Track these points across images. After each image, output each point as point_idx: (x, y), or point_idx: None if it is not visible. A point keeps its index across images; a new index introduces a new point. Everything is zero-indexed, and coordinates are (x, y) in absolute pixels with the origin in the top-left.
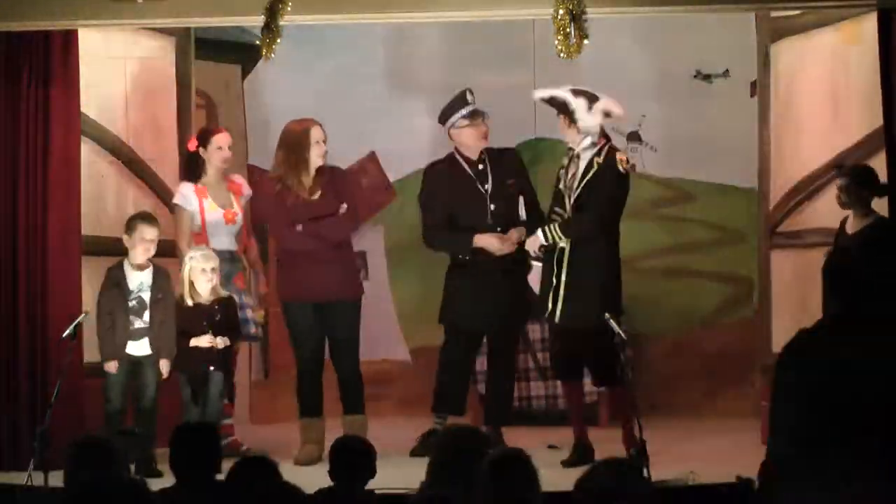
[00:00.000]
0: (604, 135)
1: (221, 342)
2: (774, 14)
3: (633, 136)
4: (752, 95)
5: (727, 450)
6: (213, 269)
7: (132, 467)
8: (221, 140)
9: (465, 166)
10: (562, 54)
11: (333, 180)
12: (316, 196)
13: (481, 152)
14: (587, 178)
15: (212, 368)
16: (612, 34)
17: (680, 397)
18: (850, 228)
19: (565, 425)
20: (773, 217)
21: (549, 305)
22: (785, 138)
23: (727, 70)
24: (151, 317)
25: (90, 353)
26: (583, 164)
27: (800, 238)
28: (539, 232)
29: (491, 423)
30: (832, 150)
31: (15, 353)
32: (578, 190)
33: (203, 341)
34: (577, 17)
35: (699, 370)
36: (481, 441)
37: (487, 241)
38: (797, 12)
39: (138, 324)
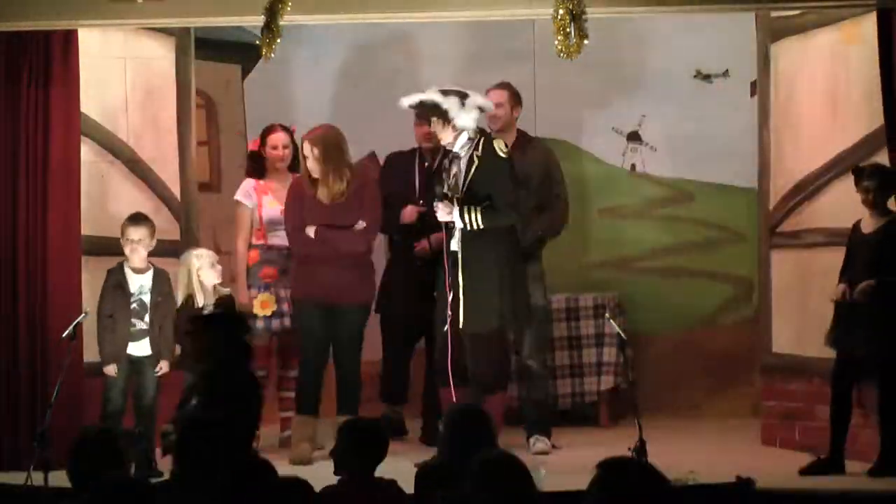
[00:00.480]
0: (478, 129)
1: None
2: (774, 14)
3: (633, 136)
4: (752, 95)
5: (727, 450)
6: (218, 262)
7: (133, 466)
8: (276, 140)
9: (416, 160)
10: (562, 54)
11: (361, 191)
12: (341, 201)
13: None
14: (471, 174)
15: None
16: (612, 34)
17: (680, 397)
18: (867, 228)
19: (564, 425)
20: (773, 217)
21: (450, 312)
22: (785, 138)
23: (727, 70)
24: (152, 319)
25: (90, 353)
26: (464, 163)
27: (800, 238)
28: (455, 212)
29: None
30: (832, 150)
31: (15, 353)
32: (465, 187)
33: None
34: (577, 17)
35: (699, 370)
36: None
37: (407, 213)
38: (797, 12)
39: (139, 325)
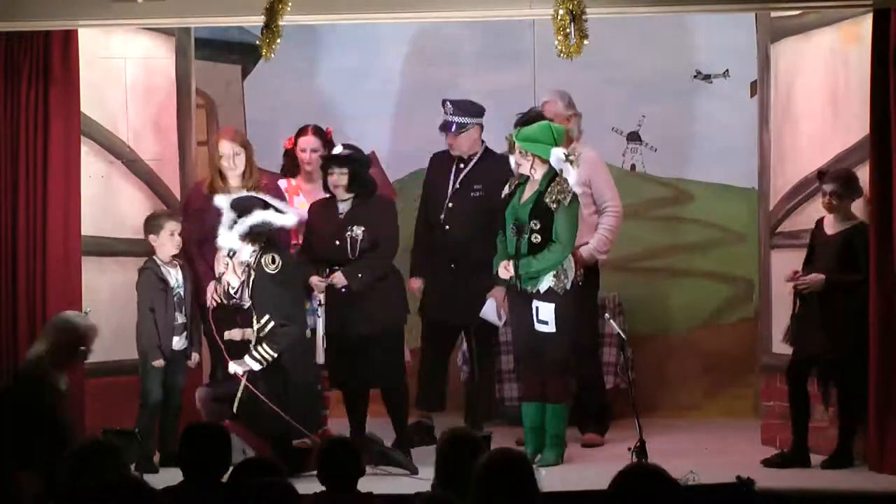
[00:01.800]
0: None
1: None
2: (774, 14)
3: (633, 136)
4: (752, 95)
5: (727, 450)
6: (234, 269)
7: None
8: (304, 142)
9: (454, 163)
10: (562, 54)
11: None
12: None
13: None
14: (251, 284)
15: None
16: (612, 34)
17: (680, 397)
18: (829, 230)
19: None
20: (773, 217)
21: None
22: (785, 138)
23: (727, 70)
24: (190, 312)
25: (90, 353)
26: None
27: (800, 238)
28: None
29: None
30: (832, 150)
31: (15, 354)
32: (251, 297)
33: (234, 335)
34: (577, 17)
35: (699, 370)
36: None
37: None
38: (797, 12)
39: (180, 319)
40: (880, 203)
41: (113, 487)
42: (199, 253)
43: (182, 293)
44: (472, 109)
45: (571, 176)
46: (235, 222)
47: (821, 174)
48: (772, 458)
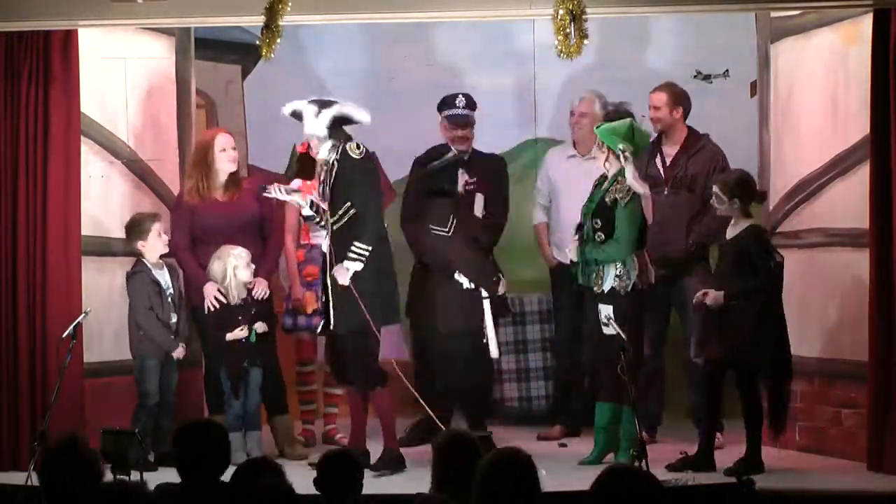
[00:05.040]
0: (341, 136)
1: (261, 327)
2: (774, 14)
3: None
4: (752, 95)
5: (727, 450)
6: (247, 264)
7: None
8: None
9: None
10: (562, 54)
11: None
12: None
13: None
14: (333, 177)
15: (246, 363)
16: (612, 34)
17: (680, 397)
18: (730, 233)
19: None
20: (773, 217)
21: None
22: (785, 138)
23: (727, 70)
24: (180, 312)
25: (90, 354)
26: (326, 169)
27: (800, 238)
28: (350, 268)
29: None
30: (832, 151)
31: (15, 353)
32: (331, 192)
33: (238, 334)
34: (577, 17)
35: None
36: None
37: None
38: (797, 12)
39: (173, 318)
40: (880, 203)
41: (110, 492)
42: (191, 256)
43: (172, 293)
44: (475, 105)
45: (628, 173)
46: (319, 113)
47: (717, 183)
48: (675, 462)
